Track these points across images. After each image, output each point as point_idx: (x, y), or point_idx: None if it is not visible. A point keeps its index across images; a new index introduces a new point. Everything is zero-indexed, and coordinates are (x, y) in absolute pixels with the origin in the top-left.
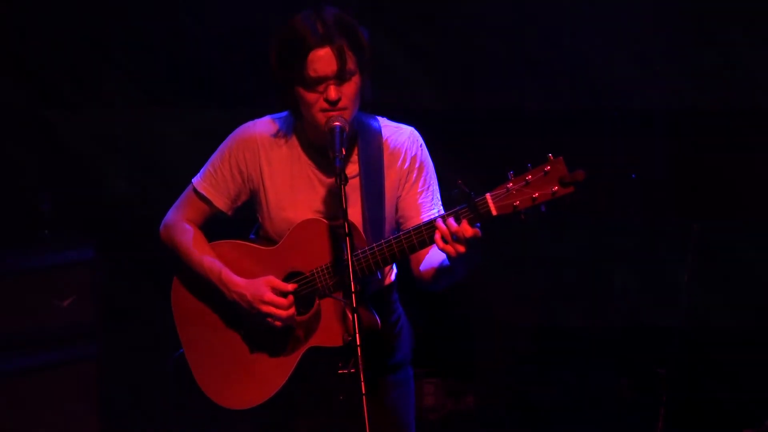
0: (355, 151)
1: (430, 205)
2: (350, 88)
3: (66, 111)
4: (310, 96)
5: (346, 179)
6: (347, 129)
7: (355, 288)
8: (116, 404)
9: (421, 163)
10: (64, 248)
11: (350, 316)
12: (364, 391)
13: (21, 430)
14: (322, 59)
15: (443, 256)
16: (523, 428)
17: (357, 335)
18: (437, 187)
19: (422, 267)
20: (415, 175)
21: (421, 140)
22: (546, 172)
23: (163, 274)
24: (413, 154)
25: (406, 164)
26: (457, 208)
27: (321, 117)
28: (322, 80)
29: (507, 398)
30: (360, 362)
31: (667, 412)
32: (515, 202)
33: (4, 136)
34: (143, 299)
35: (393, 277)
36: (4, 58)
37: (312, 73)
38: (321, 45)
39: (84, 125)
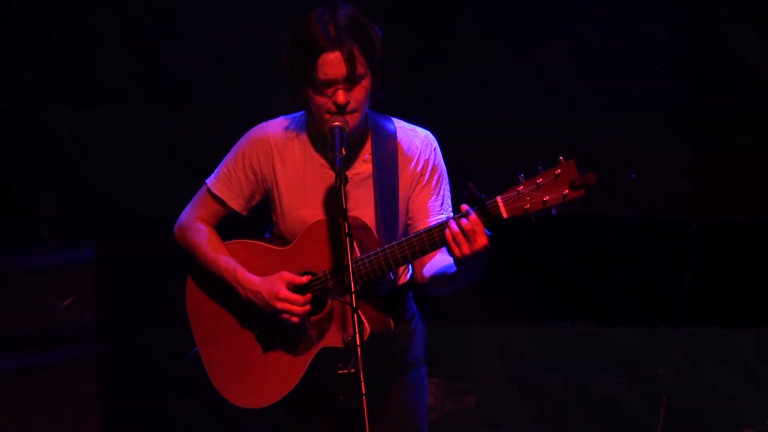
0: (369, 151)
1: (439, 210)
2: (359, 92)
3: (65, 110)
4: (320, 99)
5: (346, 180)
6: (347, 129)
7: (355, 288)
8: (116, 404)
9: (434, 166)
10: (64, 248)
11: (352, 316)
12: (364, 391)
13: (21, 430)
14: (332, 63)
15: (448, 261)
16: (523, 428)
17: (357, 335)
18: (449, 194)
19: (425, 272)
20: (426, 179)
21: (435, 144)
22: (557, 176)
23: (164, 274)
24: (427, 157)
25: (419, 167)
26: (468, 209)
27: (328, 118)
28: (332, 83)
29: (507, 398)
30: (360, 362)
31: (667, 412)
32: (526, 205)
33: (3, 136)
34: (143, 299)
35: (408, 276)
36: (3, 59)
37: (321, 76)
38: (331, 49)
39: (83, 125)
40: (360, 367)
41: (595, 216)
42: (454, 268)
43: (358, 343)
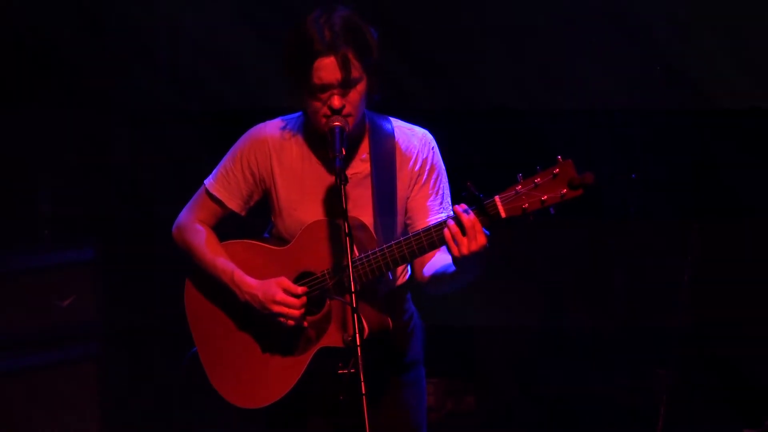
0: (367, 150)
1: (438, 209)
2: (354, 95)
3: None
4: (315, 102)
5: (346, 179)
6: (347, 129)
7: (355, 288)
8: (116, 404)
9: (432, 165)
10: (64, 248)
11: (352, 316)
12: (364, 392)
13: (21, 430)
14: (327, 68)
15: (448, 260)
16: (523, 428)
17: (357, 335)
18: (448, 192)
19: (425, 271)
20: (425, 178)
21: (433, 143)
22: (555, 175)
23: (164, 274)
24: (425, 156)
25: (417, 166)
26: (466, 209)
27: (324, 122)
28: (327, 88)
29: (507, 398)
30: (360, 363)
31: (667, 412)
32: (524, 204)
33: (3, 135)
34: (143, 299)
35: (406, 277)
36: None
37: (317, 81)
38: (326, 54)
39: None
40: (360, 367)
41: (595, 216)
42: (453, 268)
43: (358, 343)
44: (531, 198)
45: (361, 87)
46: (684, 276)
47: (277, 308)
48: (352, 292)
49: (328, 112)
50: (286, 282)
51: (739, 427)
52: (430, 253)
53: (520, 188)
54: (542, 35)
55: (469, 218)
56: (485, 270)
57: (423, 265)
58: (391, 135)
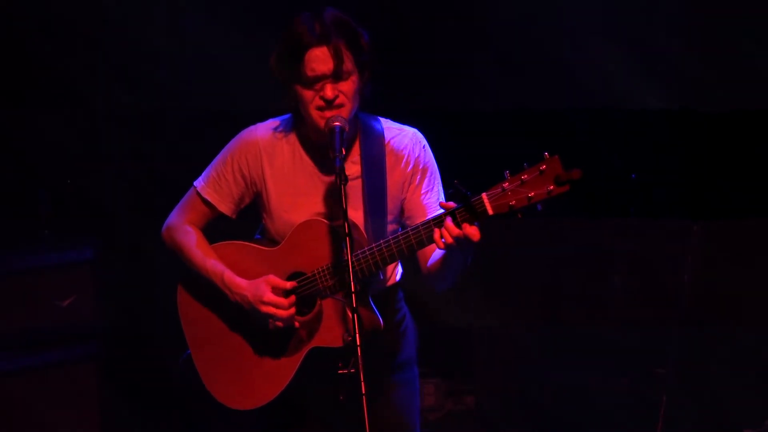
0: (357, 152)
1: (435, 206)
2: (347, 86)
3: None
4: (307, 94)
5: (346, 179)
6: (347, 129)
7: (355, 288)
8: (116, 404)
9: (425, 165)
10: (64, 248)
11: (352, 316)
12: (364, 391)
13: (21, 430)
14: (319, 58)
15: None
16: (523, 428)
17: (357, 335)
18: (441, 187)
19: (430, 263)
20: (418, 177)
21: (424, 142)
22: (542, 171)
23: (163, 274)
24: (416, 156)
25: (410, 167)
26: (454, 207)
27: (317, 115)
28: (319, 79)
29: (507, 398)
30: (360, 362)
31: (667, 412)
32: (511, 201)
33: (4, 134)
34: (143, 299)
35: (398, 277)
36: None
37: (309, 72)
38: (318, 44)
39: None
40: (360, 367)
41: (594, 216)
42: (448, 258)
43: (358, 343)
44: (518, 195)
45: (354, 79)
46: (684, 276)
47: (265, 309)
48: (352, 292)
49: (321, 103)
50: (275, 279)
51: (739, 427)
52: (430, 250)
53: (507, 185)
54: (542, 34)
55: (457, 215)
56: (474, 257)
57: (427, 260)
58: (381, 135)
